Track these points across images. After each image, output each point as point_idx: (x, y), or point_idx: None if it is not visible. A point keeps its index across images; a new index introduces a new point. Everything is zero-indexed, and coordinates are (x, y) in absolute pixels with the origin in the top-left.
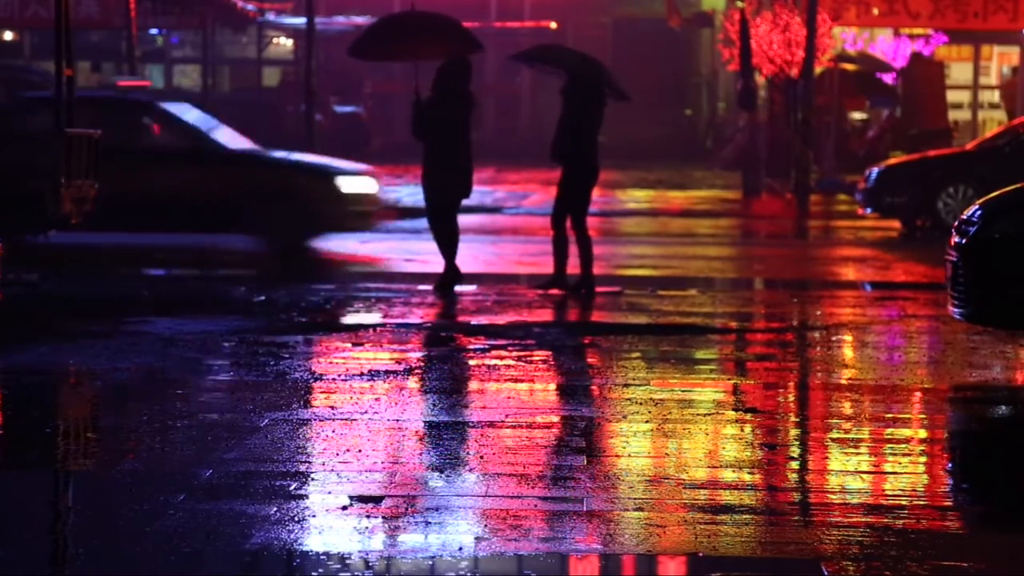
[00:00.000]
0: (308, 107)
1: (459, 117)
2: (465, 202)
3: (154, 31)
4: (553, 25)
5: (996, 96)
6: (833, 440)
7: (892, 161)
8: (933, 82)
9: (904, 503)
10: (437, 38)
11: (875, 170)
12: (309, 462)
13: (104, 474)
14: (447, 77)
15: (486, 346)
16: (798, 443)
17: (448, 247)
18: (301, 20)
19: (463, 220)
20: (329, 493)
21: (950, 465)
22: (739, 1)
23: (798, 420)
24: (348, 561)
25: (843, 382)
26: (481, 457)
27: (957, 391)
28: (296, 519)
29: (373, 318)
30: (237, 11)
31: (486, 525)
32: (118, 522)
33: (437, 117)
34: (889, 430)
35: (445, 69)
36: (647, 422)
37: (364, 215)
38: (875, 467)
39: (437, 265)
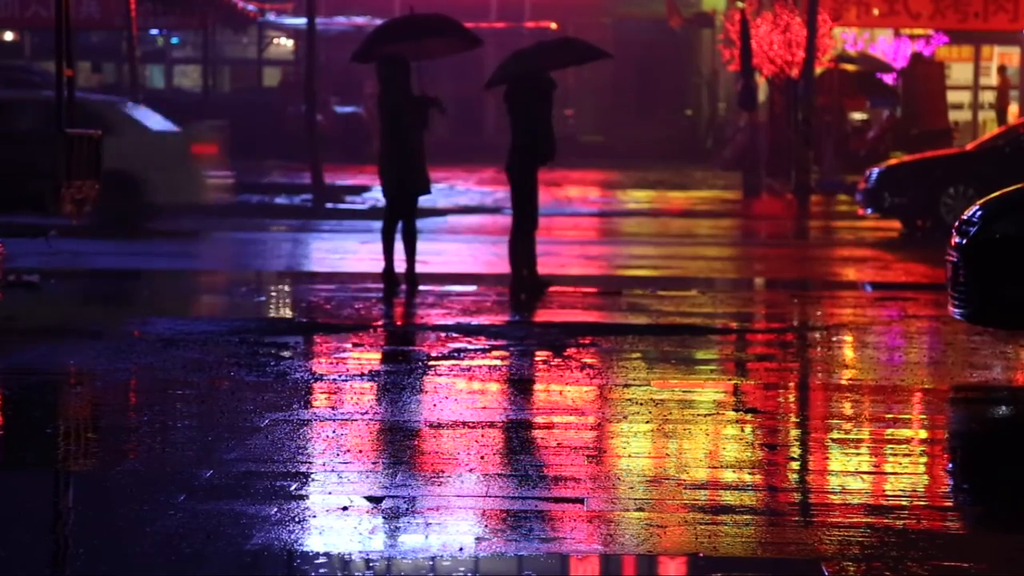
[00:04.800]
0: (309, 107)
1: (402, 113)
2: (465, 202)
3: (154, 31)
4: (553, 25)
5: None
6: (833, 440)
7: (892, 161)
8: (933, 82)
9: (904, 503)
10: (438, 38)
11: (875, 170)
12: (310, 462)
13: (104, 474)
14: (384, 74)
15: (486, 346)
16: (798, 443)
17: (389, 248)
18: (301, 20)
19: (463, 220)
20: (329, 493)
21: (950, 465)
22: (739, 1)
23: (798, 420)
24: (349, 561)
25: (843, 382)
26: (481, 457)
27: (957, 391)
28: (297, 519)
29: (373, 318)
30: (237, 11)
31: (487, 525)
32: (118, 522)
33: (383, 114)
34: (889, 430)
35: (381, 66)
36: (647, 422)
37: None
38: (875, 467)
39: (436, 265)
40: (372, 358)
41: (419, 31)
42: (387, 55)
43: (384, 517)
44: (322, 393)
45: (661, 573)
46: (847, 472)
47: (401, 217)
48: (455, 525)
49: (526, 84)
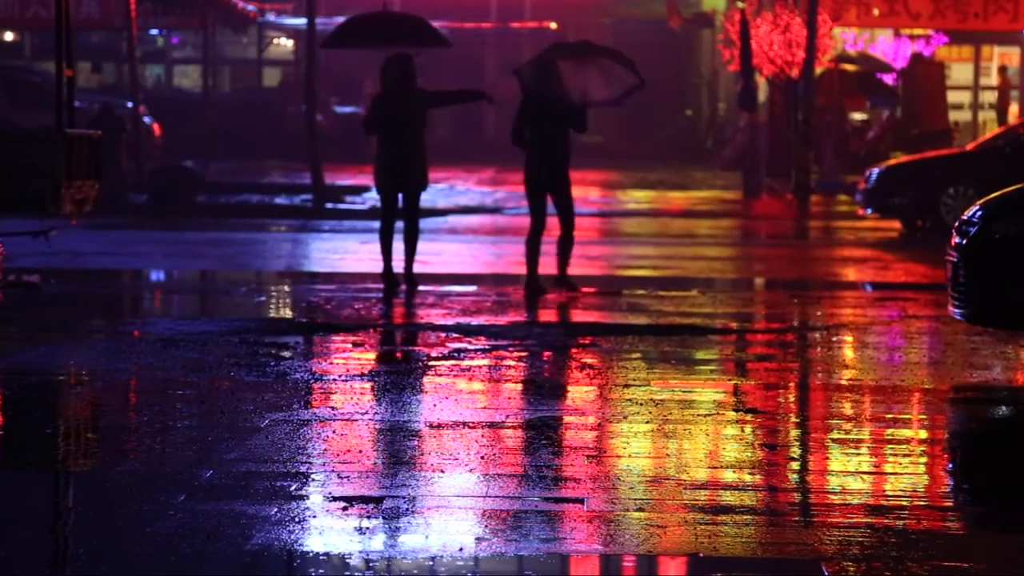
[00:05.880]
0: (309, 108)
1: (405, 111)
2: (465, 202)
3: (154, 31)
4: (553, 25)
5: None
6: (833, 441)
7: (892, 162)
8: (933, 83)
9: (905, 503)
10: (408, 40)
11: (875, 171)
12: (310, 462)
13: (104, 474)
14: (389, 72)
15: (487, 346)
16: (798, 444)
17: (388, 249)
18: (301, 20)
19: (462, 220)
20: (330, 493)
21: (950, 465)
22: (739, 2)
23: (798, 421)
24: (349, 561)
25: (843, 383)
26: (481, 457)
27: (957, 392)
28: (297, 519)
29: (373, 318)
30: (237, 11)
31: (486, 525)
32: (118, 522)
33: (383, 112)
34: (889, 431)
35: (387, 65)
36: (647, 422)
37: None
38: (876, 468)
39: (436, 266)
40: (372, 358)
41: (390, 28)
42: (396, 54)
43: (384, 517)
44: (322, 393)
45: (661, 573)
46: (847, 472)
47: (400, 217)
48: (455, 525)
49: (546, 104)
